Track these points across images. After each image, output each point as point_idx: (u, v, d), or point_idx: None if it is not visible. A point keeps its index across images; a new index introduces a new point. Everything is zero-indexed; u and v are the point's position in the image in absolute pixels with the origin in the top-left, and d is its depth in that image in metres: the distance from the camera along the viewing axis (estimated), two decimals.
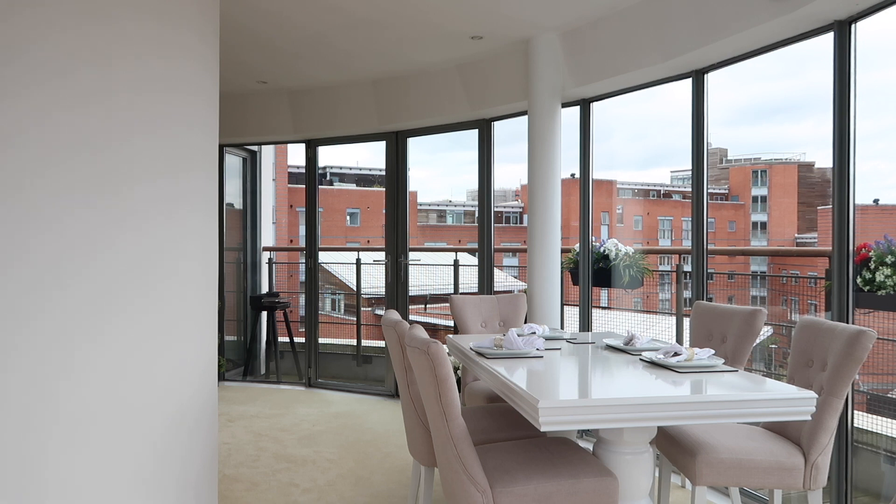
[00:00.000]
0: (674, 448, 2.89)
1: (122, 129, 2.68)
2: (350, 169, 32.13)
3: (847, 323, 3.15)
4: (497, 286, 5.88)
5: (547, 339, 3.60)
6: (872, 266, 3.14)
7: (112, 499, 2.63)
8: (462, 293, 5.33)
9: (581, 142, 4.96)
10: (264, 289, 7.71)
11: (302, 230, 7.30)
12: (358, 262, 7.44)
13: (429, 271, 8.66)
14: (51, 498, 2.44)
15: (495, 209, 5.91)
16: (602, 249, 4.90)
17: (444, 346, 2.87)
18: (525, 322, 4.70)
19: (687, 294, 4.49)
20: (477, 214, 6.28)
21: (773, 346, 7.46)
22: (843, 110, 3.23)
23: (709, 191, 4.18)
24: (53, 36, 2.46)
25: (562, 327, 4.94)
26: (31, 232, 2.41)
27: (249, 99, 6.54)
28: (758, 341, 3.49)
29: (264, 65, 5.56)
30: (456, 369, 4.90)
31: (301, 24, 4.51)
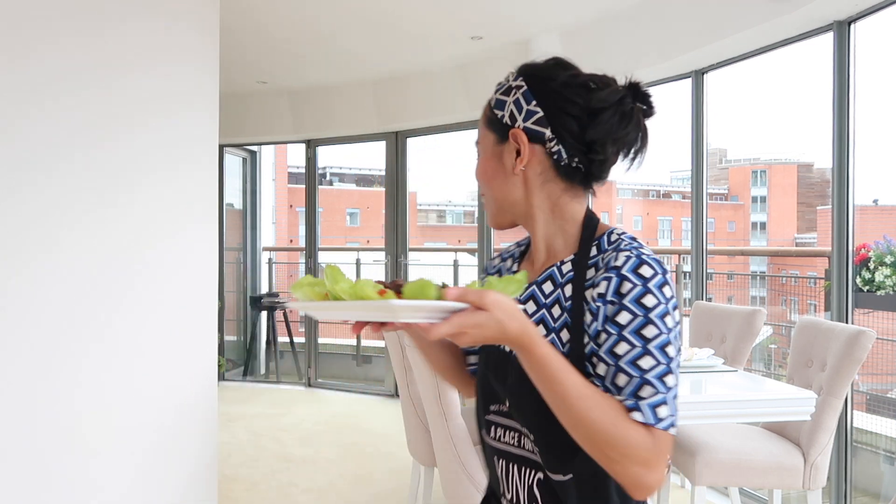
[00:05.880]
0: (673, 448, 2.89)
1: (121, 128, 2.68)
2: (350, 169, 32.12)
3: (847, 323, 3.15)
4: None
5: None
6: (872, 266, 3.14)
7: (112, 498, 2.63)
8: None
9: None
10: (264, 289, 7.71)
11: (302, 230, 7.30)
12: (358, 263, 7.44)
13: (428, 271, 8.65)
14: (51, 497, 2.44)
15: None
16: None
17: None
18: None
19: (686, 294, 4.49)
20: (476, 214, 6.29)
21: (773, 346, 7.46)
22: (842, 110, 3.23)
23: (708, 191, 4.19)
24: (54, 34, 2.46)
25: None
26: (30, 230, 2.41)
27: (249, 99, 6.53)
28: (757, 341, 3.49)
29: (264, 65, 5.56)
30: None
31: (301, 24, 4.52)
